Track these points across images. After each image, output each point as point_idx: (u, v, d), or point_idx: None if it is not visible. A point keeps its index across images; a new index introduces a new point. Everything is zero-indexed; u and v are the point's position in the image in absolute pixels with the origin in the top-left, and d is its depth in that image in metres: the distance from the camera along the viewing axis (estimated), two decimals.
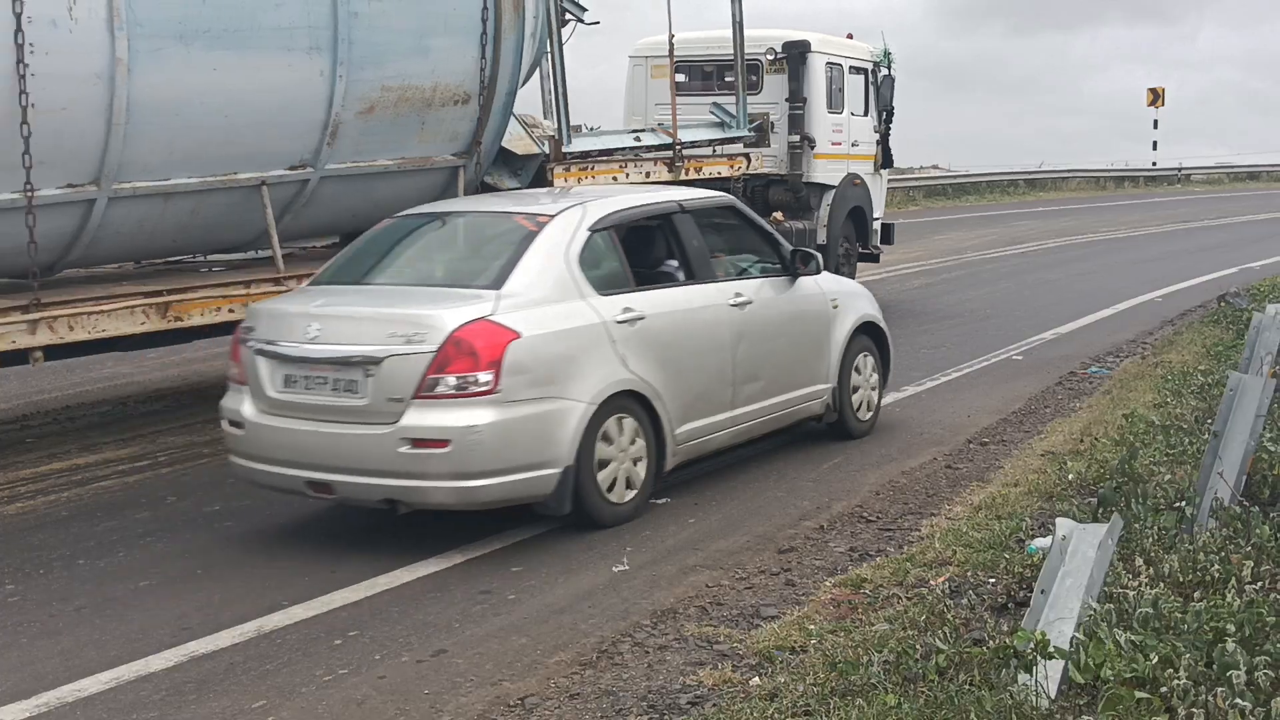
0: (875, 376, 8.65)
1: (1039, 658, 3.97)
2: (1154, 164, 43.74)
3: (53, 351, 8.10)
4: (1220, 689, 3.82)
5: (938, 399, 9.86)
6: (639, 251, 7.37)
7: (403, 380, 5.99)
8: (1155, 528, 5.51)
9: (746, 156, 13.13)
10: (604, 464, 6.50)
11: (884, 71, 15.37)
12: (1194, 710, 3.73)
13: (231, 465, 6.80)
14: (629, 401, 6.64)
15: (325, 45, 8.77)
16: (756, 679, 4.60)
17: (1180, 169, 44.41)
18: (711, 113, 13.12)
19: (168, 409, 10.06)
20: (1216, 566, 4.93)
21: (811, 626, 5.06)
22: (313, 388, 6.26)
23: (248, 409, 6.48)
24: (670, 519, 6.81)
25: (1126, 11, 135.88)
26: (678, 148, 12.04)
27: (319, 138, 9.01)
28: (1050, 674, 3.99)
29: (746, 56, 13.04)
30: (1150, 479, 6.43)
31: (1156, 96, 42.66)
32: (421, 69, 9.49)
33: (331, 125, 9.00)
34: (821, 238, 14.06)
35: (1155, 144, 43.86)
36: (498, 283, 6.41)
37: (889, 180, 17.24)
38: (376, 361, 6.03)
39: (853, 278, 12.67)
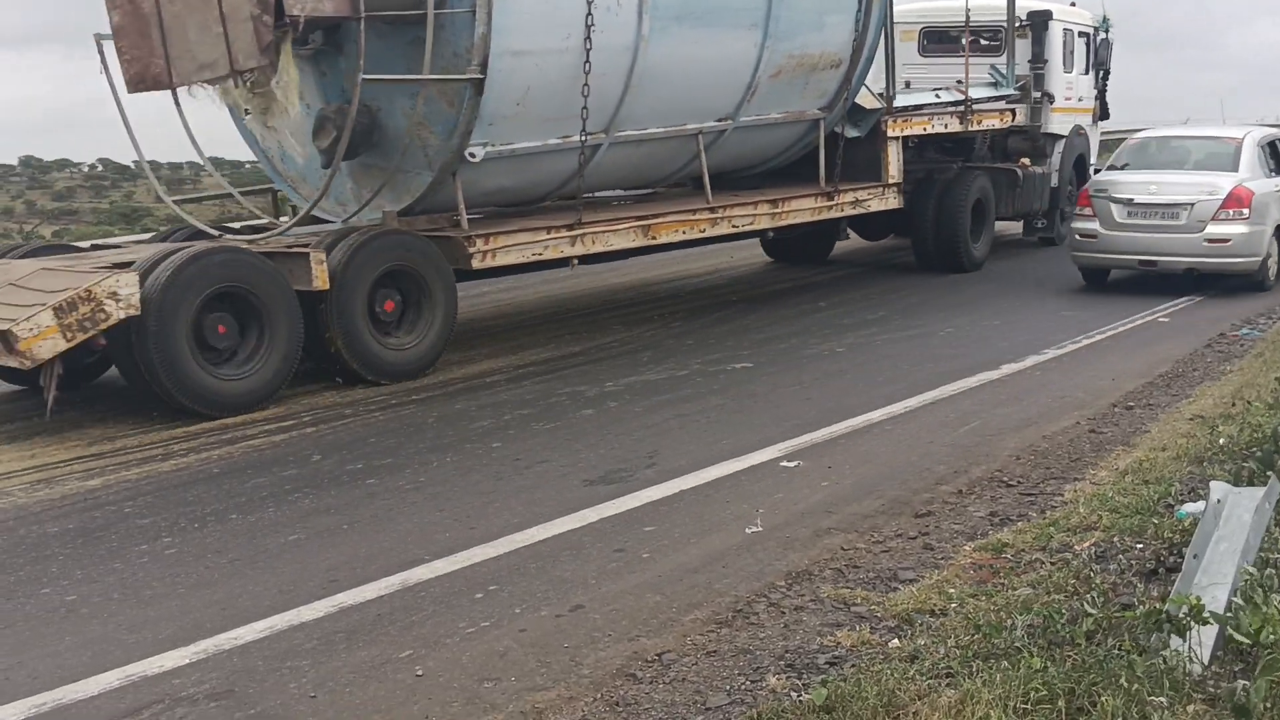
0: None
1: (1192, 623, 3.85)
2: None
3: (583, 260, 11.01)
4: None
5: (1079, 362, 9.59)
6: None
7: (1204, 212, 12.51)
8: None
9: (1013, 111, 15.72)
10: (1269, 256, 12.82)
11: (1102, 35, 17.70)
12: None
13: (1076, 260, 13.52)
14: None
15: (760, 23, 11.49)
16: (896, 641, 4.56)
17: None
18: (990, 74, 15.78)
19: (308, 373, 10.34)
20: None
21: (951, 590, 4.99)
22: (1148, 217, 12.68)
23: (1099, 227, 12.89)
24: (803, 482, 6.77)
25: None
26: (968, 103, 14.66)
27: (741, 96, 11.76)
28: (1204, 639, 3.88)
29: (992, 23, 15.78)
30: None
31: None
32: (816, 40, 12.30)
33: (753, 86, 11.75)
34: (1054, 181, 16.70)
35: None
36: (1234, 168, 12.86)
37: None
38: (1191, 205, 12.54)
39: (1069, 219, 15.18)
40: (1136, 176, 12.94)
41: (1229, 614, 3.98)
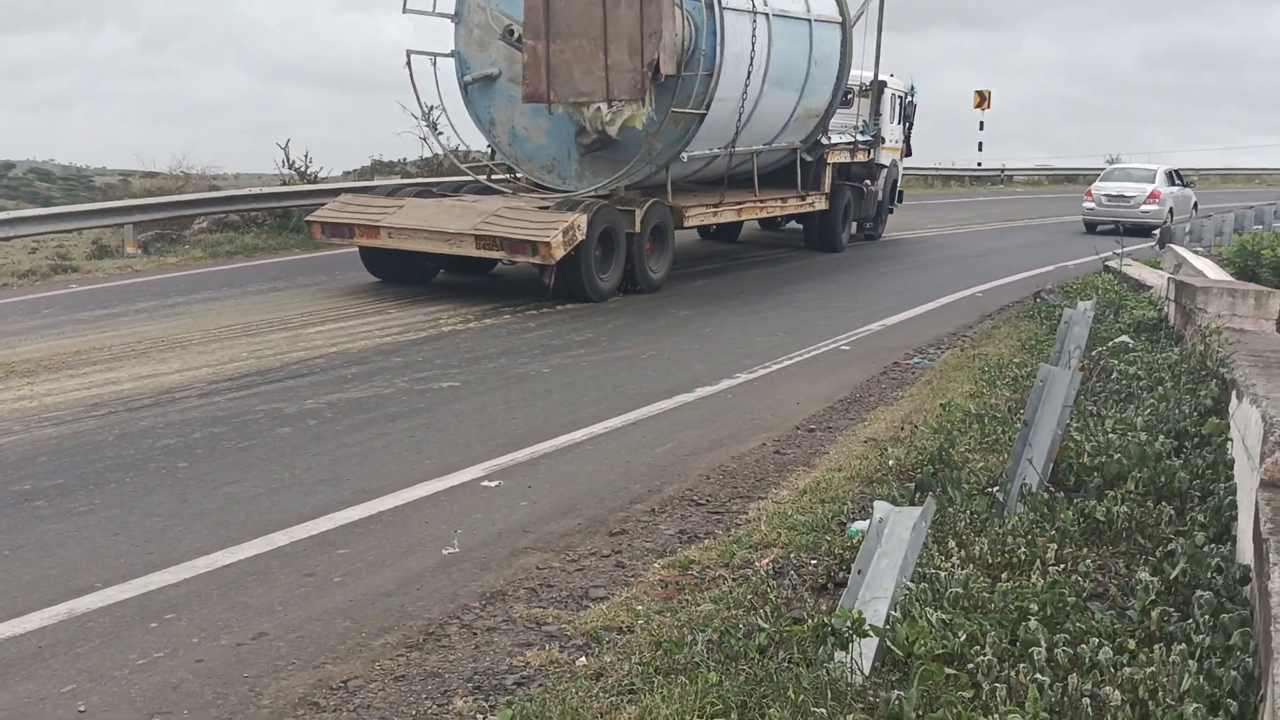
0: None
1: (854, 636, 4.11)
2: (979, 164, 45.34)
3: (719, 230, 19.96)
4: (1023, 665, 4.02)
5: (770, 386, 10.07)
6: None
7: (1140, 199, 26.80)
8: (968, 511, 5.76)
9: (868, 149, 21.49)
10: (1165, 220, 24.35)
11: (910, 98, 23.69)
12: (998, 685, 3.91)
13: (1085, 219, 27.44)
14: None
15: (799, 88, 17.71)
16: (583, 659, 4.65)
17: (1004, 170, 46.16)
18: (857, 123, 21.29)
19: None
20: (1023, 549, 5.18)
21: (639, 607, 5.13)
22: (1115, 203, 27.15)
23: (1095, 206, 27.37)
24: (503, 502, 6.80)
25: (958, 18, 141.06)
26: (856, 143, 21.06)
27: (779, 130, 17.81)
28: (865, 651, 4.14)
29: (861, 86, 21.24)
30: (965, 465, 6.71)
31: (983, 99, 44.11)
32: (815, 100, 18.60)
33: (786, 125, 17.94)
34: (880, 196, 22.60)
35: (980, 145, 45.48)
36: (1153, 181, 27.35)
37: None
38: (1134, 196, 27.01)
39: (884, 224, 23.47)
40: (1110, 184, 27.89)
41: (888, 627, 4.27)
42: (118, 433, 8.05)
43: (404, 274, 14.87)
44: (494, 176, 16.61)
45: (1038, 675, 3.94)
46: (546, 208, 14.12)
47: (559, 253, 13.17)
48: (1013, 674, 3.98)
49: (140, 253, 17.81)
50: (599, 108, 14.56)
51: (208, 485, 6.94)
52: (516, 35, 14.71)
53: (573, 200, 14.25)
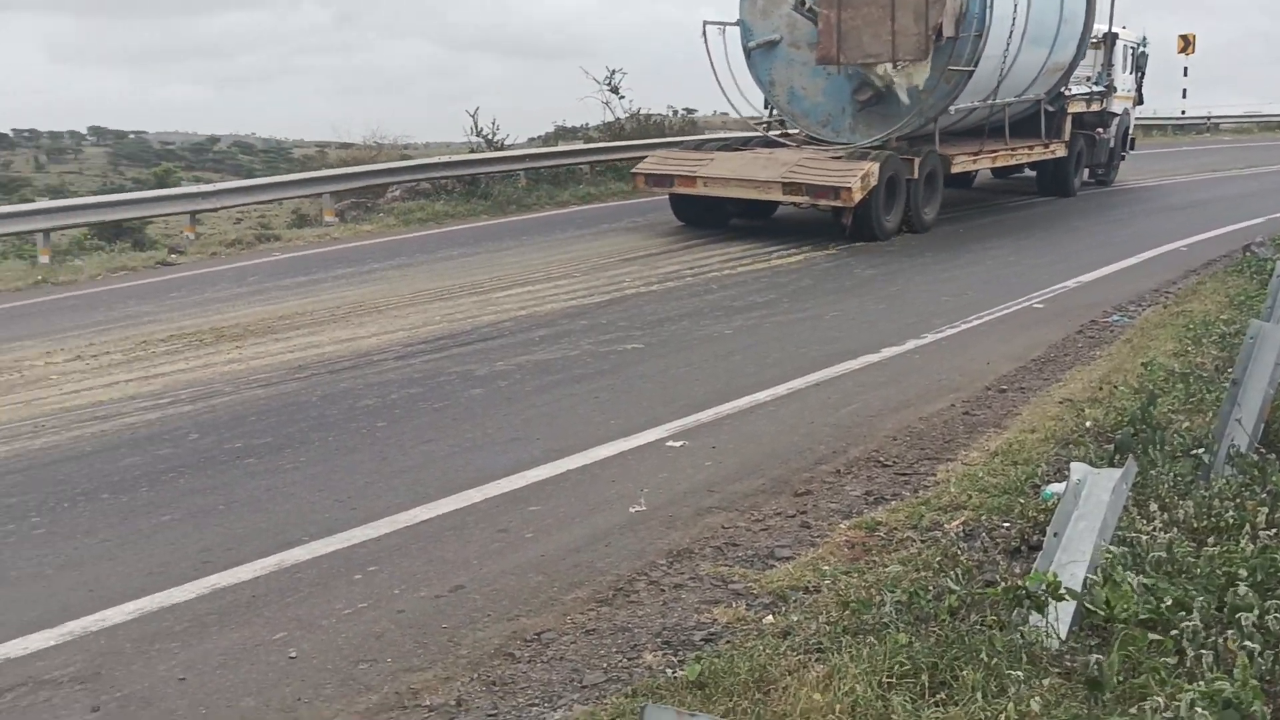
0: None
1: (1050, 599, 3.99)
2: (1183, 112, 43.01)
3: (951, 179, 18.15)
4: (1230, 632, 3.84)
5: (959, 345, 9.83)
6: None
7: None
8: (1171, 474, 5.51)
9: (1101, 98, 22.43)
10: None
11: (1141, 49, 24.67)
12: (1204, 651, 3.75)
13: None
14: None
15: (1049, 44, 18.66)
16: (770, 617, 4.65)
17: (1209, 118, 43.70)
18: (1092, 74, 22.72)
19: (186, 347, 10.13)
20: (1231, 513, 4.93)
21: (825, 567, 5.10)
22: None
23: None
24: (687, 461, 6.84)
25: None
26: (1093, 94, 22.14)
27: (1029, 83, 18.78)
28: (1061, 615, 4.02)
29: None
30: (1168, 426, 6.42)
31: (1187, 44, 41.76)
32: (1061, 56, 19.43)
33: (1035, 79, 18.84)
34: (1111, 144, 23.48)
35: (1185, 92, 43.11)
36: None
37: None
38: None
39: (1116, 170, 24.33)
40: None
41: (1085, 591, 4.13)
42: (320, 394, 8.42)
43: (705, 218, 16.79)
44: (772, 132, 18.45)
45: (1246, 642, 3.75)
46: (839, 158, 15.81)
47: (858, 196, 14.91)
48: (1220, 641, 3.80)
49: (338, 221, 18.54)
50: (885, 67, 16.47)
51: (405, 444, 7.20)
52: (808, 4, 16.50)
53: (862, 150, 16.05)
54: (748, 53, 17.43)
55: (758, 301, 11.63)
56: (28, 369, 9.71)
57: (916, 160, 16.25)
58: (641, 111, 26.37)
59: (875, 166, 15.25)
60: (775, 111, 18.37)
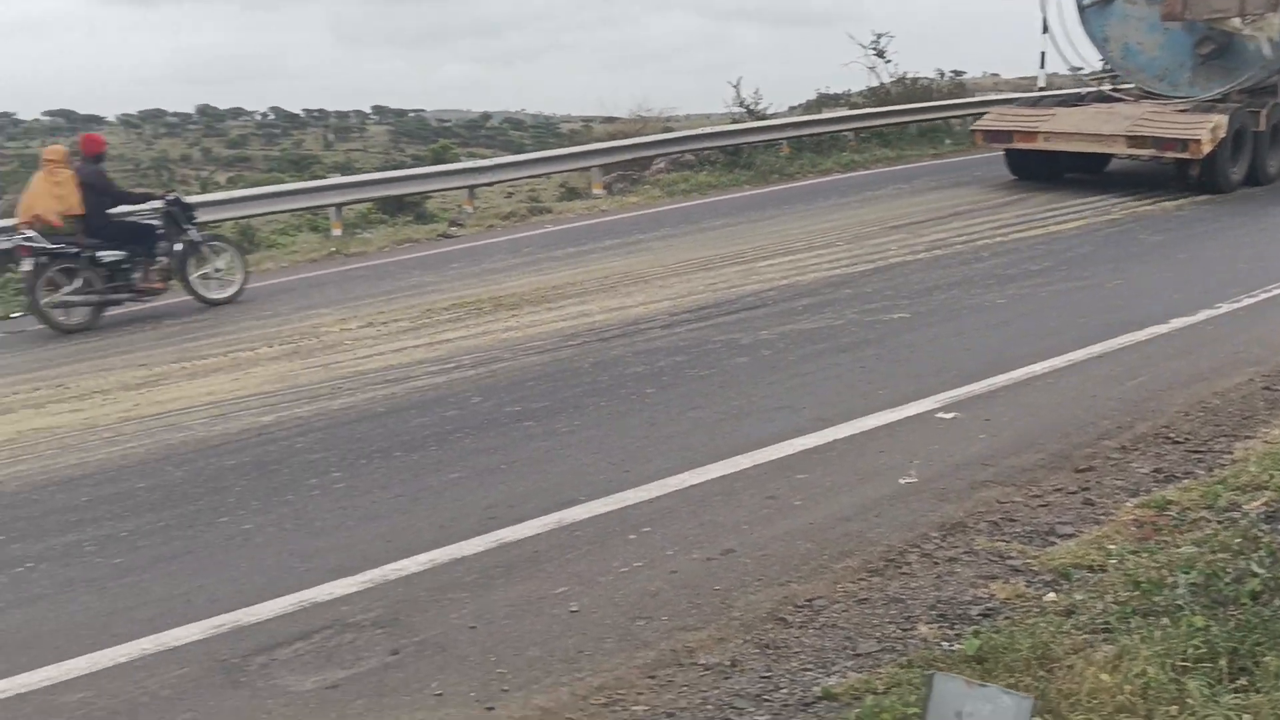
0: None
1: None
2: None
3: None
4: None
5: (1258, 316, 9.16)
6: None
7: None
8: None
9: None
10: None
11: None
12: None
13: None
14: None
15: None
16: (1052, 595, 4.49)
17: None
18: None
19: (467, 314, 10.62)
20: None
21: (1111, 546, 4.88)
22: None
23: None
24: (960, 434, 6.67)
25: None
26: None
27: None
28: None
29: None
30: None
31: None
32: None
33: None
34: None
35: None
36: None
37: None
38: None
39: None
40: None
41: None
42: (592, 360, 8.68)
43: (1038, 172, 16.95)
44: (1108, 87, 18.45)
45: None
46: (1184, 110, 15.88)
47: (1206, 148, 14.84)
48: None
49: (605, 193, 19.00)
50: (1236, 21, 16.39)
51: (673, 410, 7.33)
52: None
53: (1208, 103, 16.02)
54: (1081, 10, 17.59)
55: (1032, 270, 11.18)
56: (324, 335, 10.42)
57: (1263, 112, 15.96)
58: (908, 76, 25.76)
59: (1224, 119, 15.13)
60: (1106, 66, 18.51)
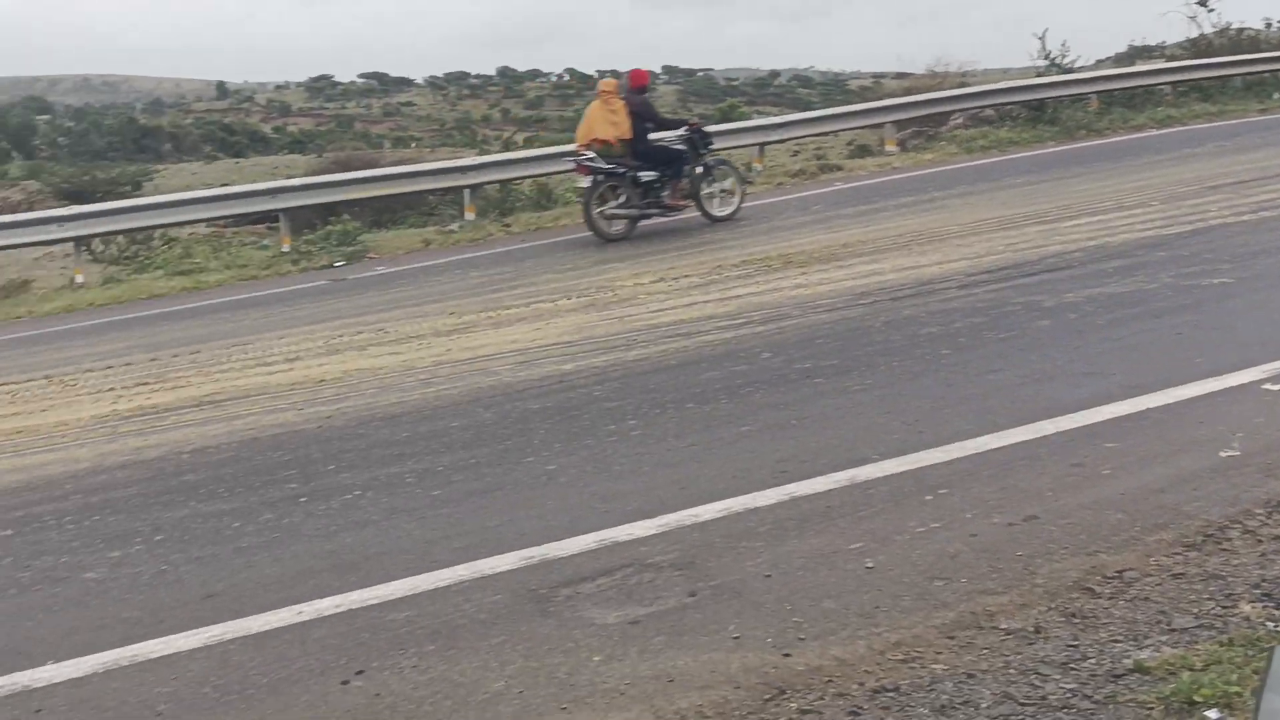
0: None
1: None
2: None
3: None
4: None
5: None
6: None
7: None
8: None
9: None
10: None
11: None
12: None
13: None
14: None
15: None
16: None
17: None
18: None
19: (757, 271, 10.66)
20: None
21: None
22: None
23: None
24: None
25: None
26: None
27: None
28: None
29: None
30: None
31: None
32: None
33: None
34: None
35: None
36: None
37: None
38: None
39: None
40: None
41: None
42: (883, 320, 8.55)
43: None
44: None
45: None
46: None
47: None
48: None
49: (898, 150, 18.62)
50: None
51: (970, 372, 7.14)
52: None
53: None
54: None
55: None
56: (619, 289, 10.73)
57: None
58: (1232, 26, 23.88)
59: None
60: None
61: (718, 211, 14.24)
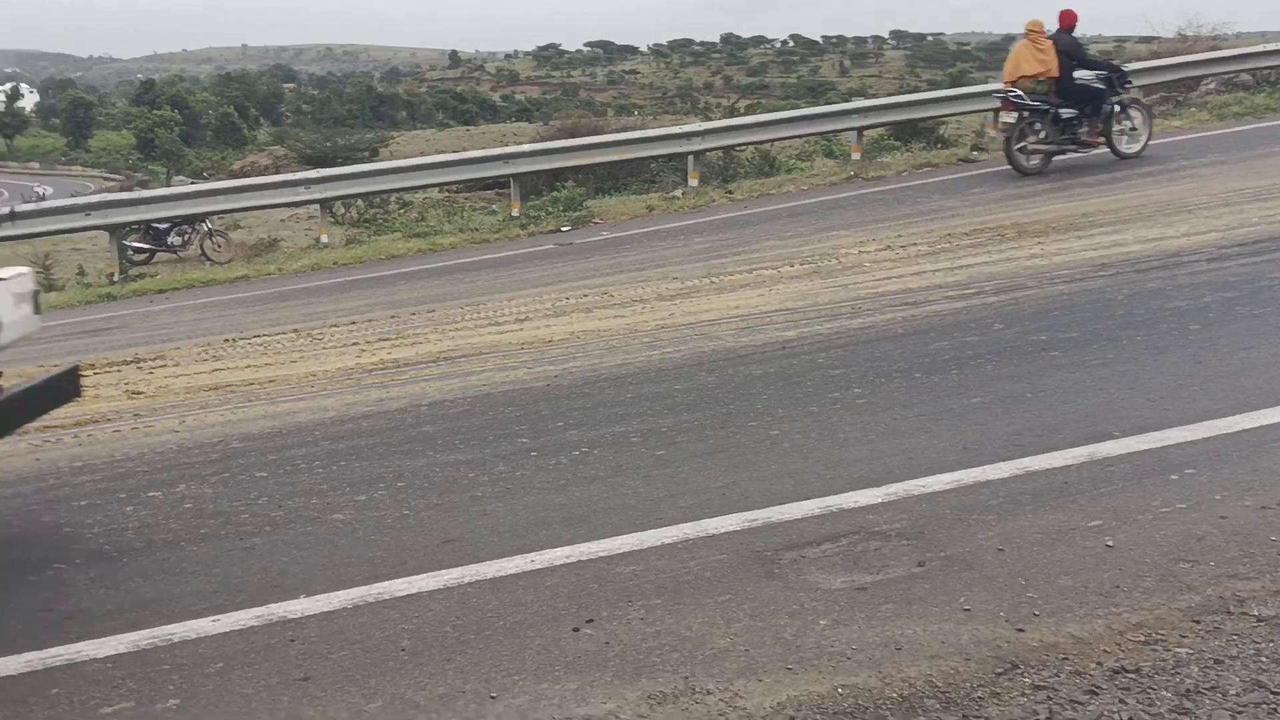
0: None
1: None
2: None
3: None
4: None
5: None
6: None
7: None
8: None
9: None
10: None
11: None
12: None
13: None
14: None
15: None
16: None
17: None
18: None
19: (989, 240, 10.34)
20: None
21: None
22: None
23: None
24: None
25: None
26: None
27: None
28: None
29: None
30: None
31: None
32: None
33: None
34: None
35: None
36: None
37: None
38: None
39: None
40: None
41: None
42: (1126, 293, 8.17)
43: None
44: None
45: None
46: None
47: None
48: None
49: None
50: None
51: (1221, 349, 6.75)
52: None
53: None
54: None
55: None
56: (844, 256, 10.60)
57: None
58: None
59: None
60: None
61: (1126, 149, 14.68)
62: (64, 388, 5.78)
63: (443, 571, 4.72)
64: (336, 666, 4.01)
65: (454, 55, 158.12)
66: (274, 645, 4.24)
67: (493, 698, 3.68)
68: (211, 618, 4.51)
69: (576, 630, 4.08)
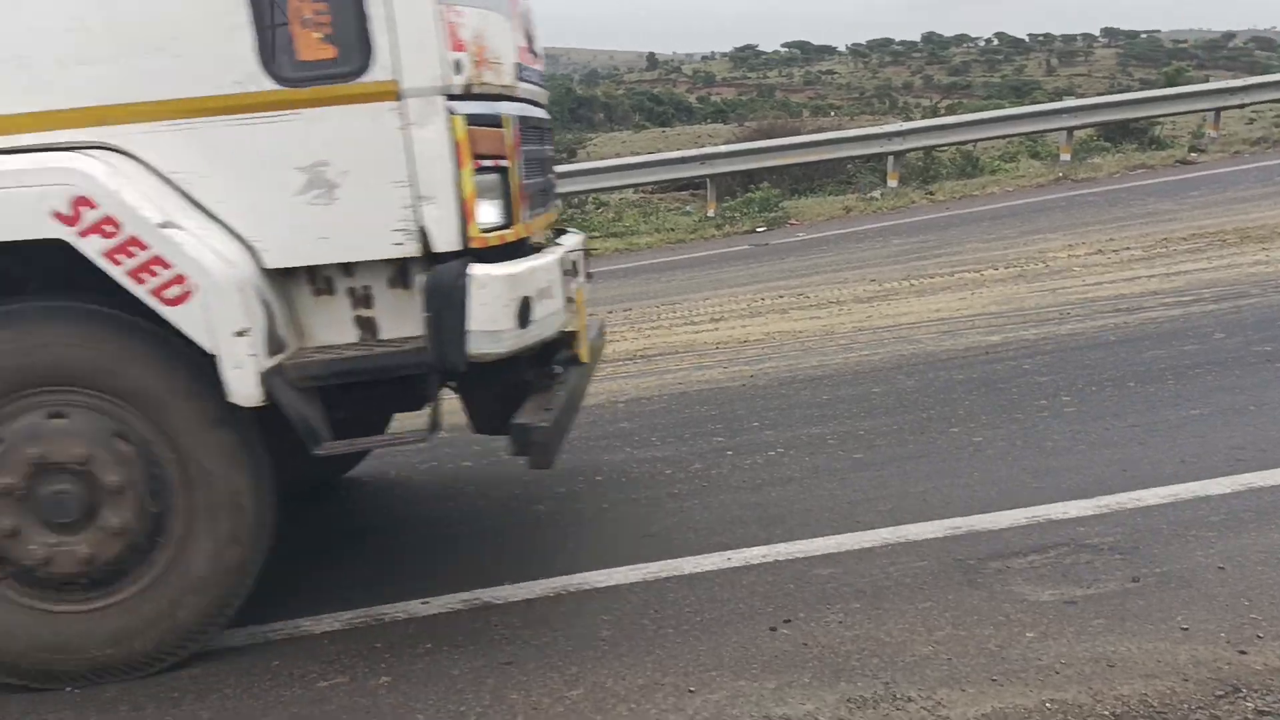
0: None
1: None
2: None
3: None
4: None
5: None
6: None
7: None
8: None
9: None
10: None
11: None
12: None
13: None
14: None
15: None
16: None
17: None
18: None
19: (1209, 246, 9.86)
20: None
21: None
22: None
23: None
24: None
25: None
26: None
27: None
28: None
29: None
30: None
31: None
32: None
33: None
34: None
35: None
36: None
37: None
38: None
39: None
40: None
41: None
42: None
43: None
44: None
45: None
46: None
47: None
48: None
49: None
50: None
51: None
52: None
53: None
54: None
55: None
56: (1051, 260, 10.27)
57: None
58: None
59: None
60: None
61: None
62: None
63: (641, 565, 4.78)
64: (539, 653, 4.11)
65: (651, 57, 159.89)
66: (479, 629, 4.38)
67: (691, 692, 3.71)
68: (421, 599, 4.69)
69: (774, 630, 4.08)
